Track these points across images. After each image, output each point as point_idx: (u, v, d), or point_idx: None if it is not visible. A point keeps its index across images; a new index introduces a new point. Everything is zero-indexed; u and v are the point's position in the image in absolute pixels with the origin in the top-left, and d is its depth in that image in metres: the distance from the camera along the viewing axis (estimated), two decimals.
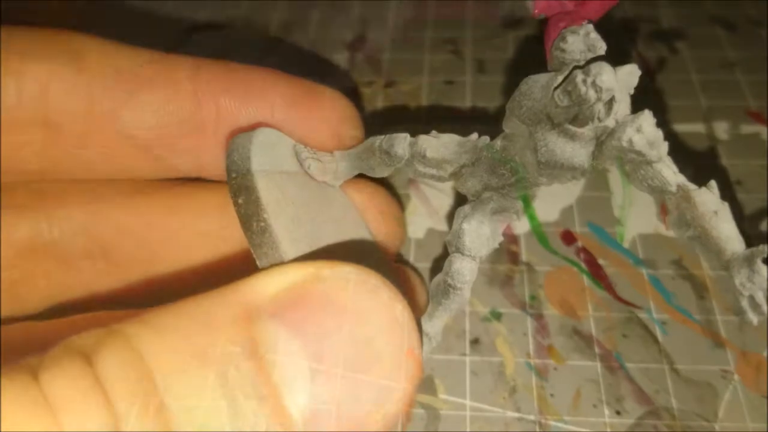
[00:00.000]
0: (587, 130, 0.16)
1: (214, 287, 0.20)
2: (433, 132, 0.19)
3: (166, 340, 0.11)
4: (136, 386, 0.11)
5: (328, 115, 0.19)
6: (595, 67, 0.15)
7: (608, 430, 0.20)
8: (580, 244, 0.25)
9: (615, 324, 0.23)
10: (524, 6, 0.18)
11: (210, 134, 0.19)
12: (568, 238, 0.25)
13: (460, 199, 0.20)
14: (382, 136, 0.19)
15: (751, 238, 0.17)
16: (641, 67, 0.16)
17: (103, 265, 0.20)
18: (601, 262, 0.24)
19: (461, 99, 0.31)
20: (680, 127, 0.29)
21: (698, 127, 0.29)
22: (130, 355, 0.11)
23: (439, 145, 0.18)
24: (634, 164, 0.16)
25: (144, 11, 0.35)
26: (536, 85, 0.16)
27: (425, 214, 0.26)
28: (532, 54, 0.33)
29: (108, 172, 0.19)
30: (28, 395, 0.10)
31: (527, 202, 0.26)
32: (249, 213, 0.14)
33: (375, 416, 0.11)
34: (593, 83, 0.15)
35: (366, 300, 0.12)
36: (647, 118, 0.15)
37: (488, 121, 0.30)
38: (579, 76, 0.15)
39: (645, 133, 0.15)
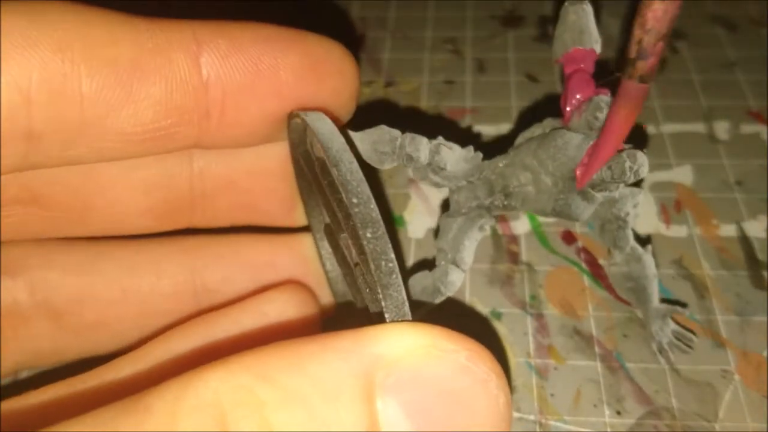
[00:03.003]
0: (600, 195, 0.19)
1: (151, 233, 0.20)
2: (441, 138, 0.19)
3: (294, 412, 0.11)
4: None
5: (332, 81, 0.18)
6: (640, 158, 0.18)
7: (608, 430, 0.20)
8: (580, 243, 0.25)
9: (615, 324, 0.23)
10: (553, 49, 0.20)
11: (214, 119, 0.17)
12: (569, 237, 0.25)
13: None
14: (400, 133, 0.19)
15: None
16: None
17: (35, 210, 0.18)
18: (601, 262, 0.24)
19: (461, 99, 0.31)
20: (680, 127, 0.29)
21: (698, 127, 0.29)
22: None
23: (456, 159, 0.19)
24: (614, 224, 0.20)
25: None
26: (570, 143, 0.19)
27: (425, 214, 0.26)
28: (533, 54, 0.33)
29: (95, 161, 0.17)
30: None
31: None
32: (379, 250, 0.14)
33: None
34: (636, 171, 0.18)
35: (476, 391, 0.12)
36: (641, 196, 0.20)
37: (488, 122, 0.30)
38: (627, 162, 0.18)
39: (638, 208, 0.20)
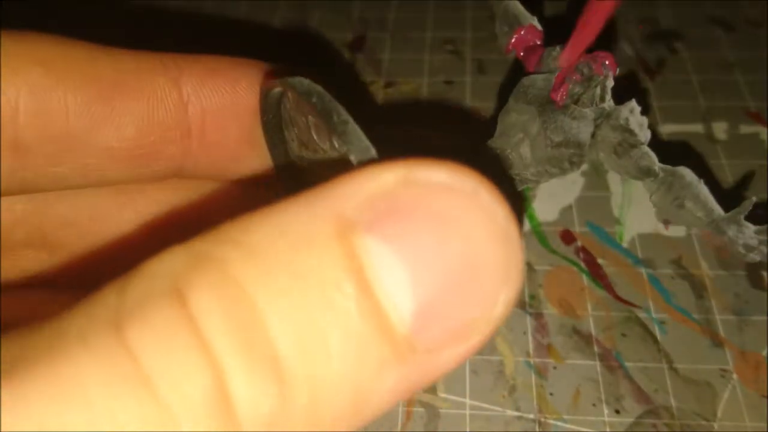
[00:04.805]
0: (589, 111, 0.19)
1: None
2: None
3: (263, 263, 0.10)
4: (241, 328, 0.09)
5: None
6: (601, 52, 0.18)
7: (607, 429, 0.20)
8: (579, 243, 0.25)
9: (614, 323, 0.23)
10: (499, 44, 0.21)
11: (196, 138, 0.18)
12: (568, 237, 0.25)
13: None
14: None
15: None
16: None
17: (44, 255, 0.19)
18: (600, 261, 0.24)
19: (461, 99, 0.31)
20: (680, 127, 0.29)
21: (698, 128, 0.29)
22: (229, 287, 0.10)
23: None
24: (624, 147, 0.19)
25: (142, 10, 0.36)
26: (537, 80, 0.19)
27: None
28: None
29: (83, 183, 0.18)
30: (118, 369, 0.09)
31: (527, 201, 0.27)
32: (327, 108, 0.14)
33: (481, 325, 0.11)
34: (604, 63, 0.18)
35: (465, 207, 0.11)
36: (636, 104, 0.19)
37: (488, 121, 0.30)
38: (591, 60, 0.18)
39: (636, 114, 0.19)
